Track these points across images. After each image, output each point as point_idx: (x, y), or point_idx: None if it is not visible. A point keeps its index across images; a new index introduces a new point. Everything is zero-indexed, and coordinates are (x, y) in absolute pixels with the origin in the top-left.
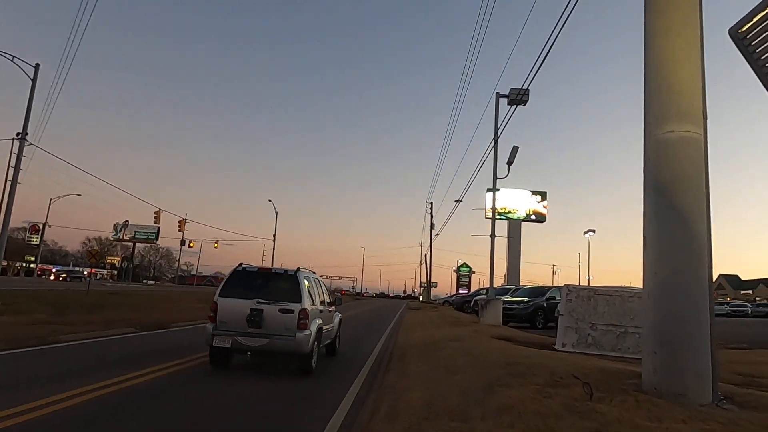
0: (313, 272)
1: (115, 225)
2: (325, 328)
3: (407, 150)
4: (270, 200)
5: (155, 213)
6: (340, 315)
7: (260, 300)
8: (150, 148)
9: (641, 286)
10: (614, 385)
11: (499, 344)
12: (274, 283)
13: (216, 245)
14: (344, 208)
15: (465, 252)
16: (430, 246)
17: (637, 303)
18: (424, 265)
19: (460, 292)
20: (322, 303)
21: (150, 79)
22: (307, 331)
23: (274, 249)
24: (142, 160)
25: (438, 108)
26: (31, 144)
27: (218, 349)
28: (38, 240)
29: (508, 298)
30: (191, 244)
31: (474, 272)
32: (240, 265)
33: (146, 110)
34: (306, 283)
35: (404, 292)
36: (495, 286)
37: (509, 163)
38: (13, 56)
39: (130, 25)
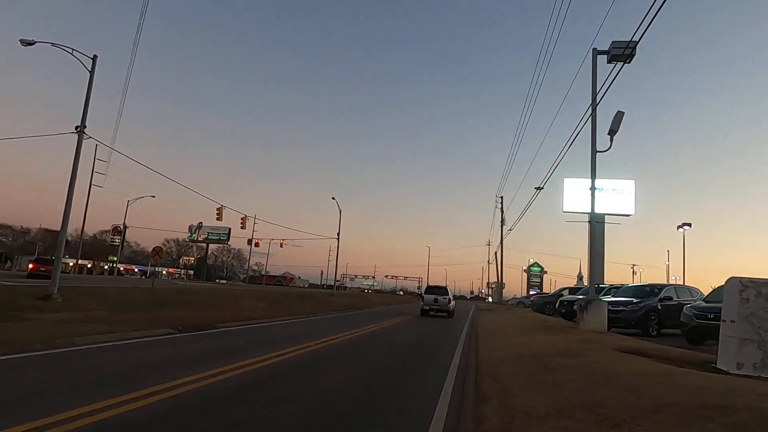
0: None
1: (190, 227)
2: (454, 305)
3: (475, 147)
4: (333, 198)
5: (217, 210)
6: (455, 302)
7: (437, 295)
8: (222, 152)
9: None
10: None
11: (644, 364)
12: (440, 289)
13: (282, 244)
14: (410, 208)
15: (534, 251)
16: (501, 243)
17: None
18: (492, 265)
19: (531, 292)
20: (449, 298)
21: (222, 85)
22: (451, 305)
23: (338, 248)
24: (216, 165)
25: (510, 98)
26: (90, 137)
27: (423, 310)
28: (120, 241)
29: (611, 299)
30: (257, 242)
31: (546, 272)
32: (428, 284)
33: (219, 114)
34: (449, 289)
35: (471, 292)
36: (571, 286)
37: (612, 132)
38: (73, 49)
39: (199, 27)
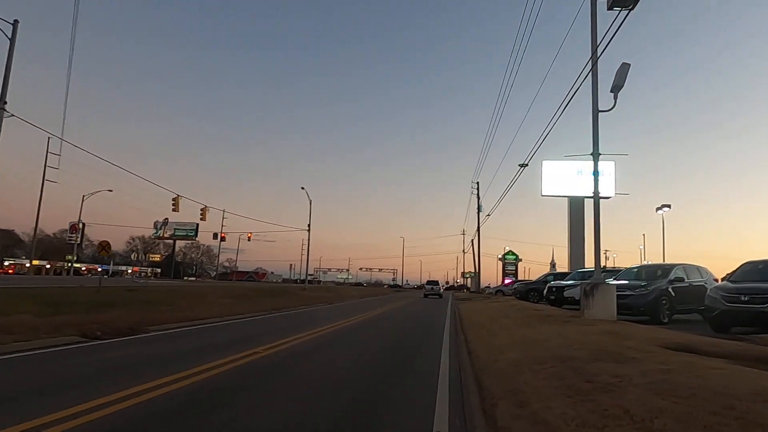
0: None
1: (155, 223)
2: (444, 291)
3: (449, 135)
4: (303, 188)
5: (173, 200)
6: (442, 289)
7: (432, 285)
8: (190, 147)
9: None
10: None
11: (748, 374)
12: (434, 282)
13: (250, 237)
14: (383, 199)
15: (507, 239)
16: (478, 230)
17: None
18: (467, 254)
19: (506, 281)
20: (441, 286)
21: (189, 77)
22: (441, 290)
23: (309, 239)
24: (184, 159)
25: (487, 74)
26: (13, 115)
27: (425, 294)
28: (78, 239)
29: (617, 282)
30: (223, 236)
31: (521, 260)
32: (428, 279)
33: (185, 109)
34: (440, 282)
35: (447, 282)
36: (557, 271)
37: (616, 88)
38: None
39: (153, 7)
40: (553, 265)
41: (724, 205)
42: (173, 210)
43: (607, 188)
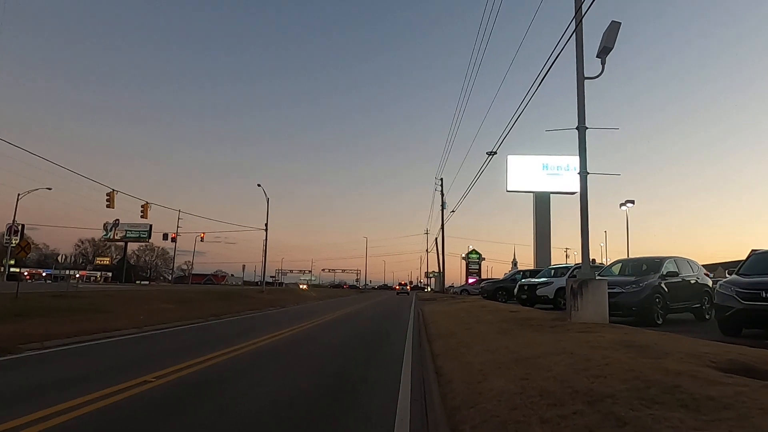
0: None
1: (105, 224)
2: (410, 291)
3: (413, 135)
4: (259, 185)
5: (107, 195)
6: (409, 290)
7: (403, 286)
8: (148, 147)
9: None
10: None
11: None
12: (404, 285)
13: (203, 237)
14: (346, 199)
15: (471, 238)
16: (442, 227)
17: None
18: (431, 254)
19: (470, 280)
20: (408, 287)
21: (146, 81)
22: (409, 290)
23: (266, 238)
24: (139, 160)
25: (449, 77)
26: None
27: (397, 293)
28: (16, 242)
29: (605, 278)
30: (173, 236)
31: (484, 259)
32: (398, 282)
33: (144, 111)
34: (407, 284)
35: (410, 282)
36: (530, 268)
37: (605, 51)
38: None
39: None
40: (515, 263)
41: (679, 198)
42: (107, 206)
43: (572, 183)
